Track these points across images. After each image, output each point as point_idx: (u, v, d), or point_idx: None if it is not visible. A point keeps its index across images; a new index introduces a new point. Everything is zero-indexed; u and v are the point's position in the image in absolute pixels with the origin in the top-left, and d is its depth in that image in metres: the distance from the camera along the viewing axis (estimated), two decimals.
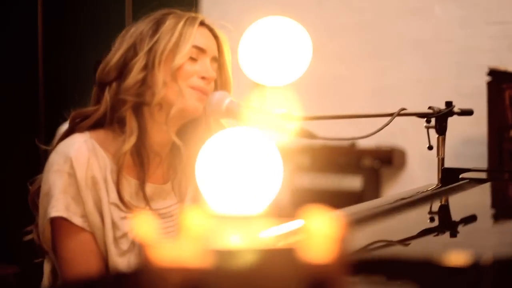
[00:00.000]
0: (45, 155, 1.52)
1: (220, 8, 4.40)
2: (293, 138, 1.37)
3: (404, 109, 1.69)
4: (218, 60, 1.56)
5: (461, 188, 1.63)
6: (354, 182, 3.78)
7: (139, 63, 1.47)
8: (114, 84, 1.49)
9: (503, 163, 3.02)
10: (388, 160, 3.79)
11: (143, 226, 0.60)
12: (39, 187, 1.48)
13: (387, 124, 1.56)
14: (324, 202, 2.73)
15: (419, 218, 1.44)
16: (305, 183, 3.88)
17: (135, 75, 1.47)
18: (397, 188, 3.93)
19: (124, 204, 1.47)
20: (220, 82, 1.57)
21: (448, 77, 3.76)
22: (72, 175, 1.42)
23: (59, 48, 3.22)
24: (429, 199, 1.57)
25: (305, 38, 3.31)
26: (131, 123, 1.47)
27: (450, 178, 1.76)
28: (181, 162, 1.58)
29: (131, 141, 1.46)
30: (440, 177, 1.80)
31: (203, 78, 1.50)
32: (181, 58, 1.47)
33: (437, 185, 1.79)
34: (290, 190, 3.96)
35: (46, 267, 1.53)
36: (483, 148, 3.21)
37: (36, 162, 1.92)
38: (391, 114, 1.62)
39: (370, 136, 1.61)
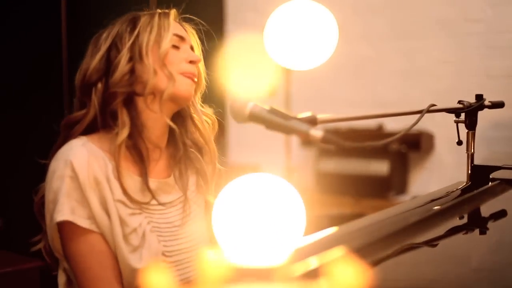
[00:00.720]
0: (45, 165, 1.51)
1: None
2: (318, 144, 1.33)
3: (433, 105, 1.65)
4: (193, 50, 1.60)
5: (492, 192, 1.56)
6: (381, 167, 3.73)
7: (124, 57, 1.48)
8: (99, 85, 1.49)
9: None
10: (415, 144, 3.73)
11: (156, 278, 0.57)
12: (43, 196, 1.47)
13: (416, 123, 1.52)
14: (350, 187, 2.72)
15: (455, 242, 1.30)
16: (331, 167, 3.84)
17: (122, 68, 1.47)
18: (425, 173, 3.88)
19: (129, 198, 1.46)
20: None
21: (477, 58, 3.69)
22: (74, 178, 1.40)
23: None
24: (460, 208, 1.46)
25: (331, 21, 3.28)
26: (123, 115, 1.47)
27: (480, 176, 1.72)
28: (179, 152, 1.60)
29: (124, 132, 1.46)
30: (469, 173, 1.76)
31: (191, 62, 1.53)
32: (166, 44, 1.50)
33: (467, 183, 1.75)
34: (316, 175, 3.93)
35: (61, 279, 1.52)
36: None
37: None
38: (420, 111, 1.59)
39: (396, 135, 1.55)
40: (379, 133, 3.75)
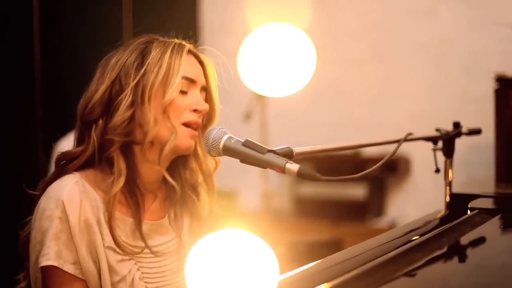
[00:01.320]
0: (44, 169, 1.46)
1: (219, 15, 4.34)
2: (295, 178, 1.31)
3: (410, 134, 1.64)
4: (206, 88, 1.52)
5: (471, 223, 1.54)
6: (358, 191, 3.71)
7: (126, 99, 1.41)
8: (100, 122, 1.43)
9: (511, 173, 2.94)
10: (393, 168, 3.73)
11: None
12: (28, 233, 1.42)
13: (393, 153, 1.50)
14: (328, 211, 2.68)
15: (434, 271, 1.27)
16: (309, 191, 3.81)
17: (122, 113, 1.40)
18: (402, 196, 3.86)
19: (120, 248, 1.41)
20: (208, 110, 1.52)
21: (456, 81, 3.70)
22: (64, 220, 1.36)
23: (57, 56, 3.17)
24: (439, 241, 1.41)
25: (309, 45, 3.25)
26: (120, 164, 1.41)
27: (458, 204, 1.69)
28: (175, 195, 1.54)
29: (120, 183, 1.40)
30: (447, 202, 1.74)
31: (195, 111, 1.46)
32: (172, 92, 1.41)
33: (445, 212, 1.73)
34: (293, 199, 3.90)
35: None
36: (491, 154, 3.14)
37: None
38: (397, 141, 1.57)
39: (374, 166, 1.53)
40: (357, 159, 3.74)
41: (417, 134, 1.68)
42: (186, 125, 1.45)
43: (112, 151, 1.41)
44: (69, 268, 1.36)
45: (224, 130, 1.42)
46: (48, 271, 1.37)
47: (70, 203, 1.36)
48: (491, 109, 3.00)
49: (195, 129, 1.47)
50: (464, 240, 1.44)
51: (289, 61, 3.10)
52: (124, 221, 1.44)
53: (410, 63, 3.83)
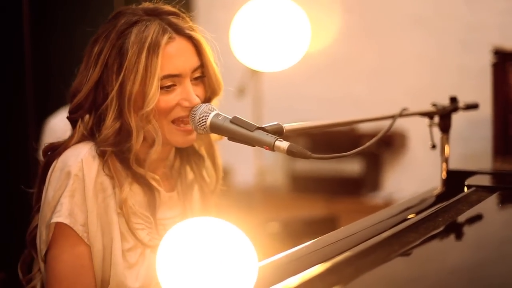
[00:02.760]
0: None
1: None
2: (275, 157, 1.28)
3: (405, 109, 1.60)
4: (201, 64, 1.44)
5: (468, 202, 1.50)
6: (354, 167, 3.69)
7: (112, 108, 1.38)
8: (86, 117, 1.42)
9: (508, 148, 2.91)
10: (388, 144, 3.70)
11: None
12: (36, 225, 1.42)
13: (388, 129, 1.46)
14: (323, 187, 2.66)
15: (431, 249, 1.25)
16: (304, 167, 3.78)
17: (110, 125, 1.39)
18: (398, 172, 3.84)
19: (133, 235, 1.40)
20: (209, 84, 1.47)
21: (452, 56, 3.66)
22: (81, 179, 1.36)
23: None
24: (434, 221, 1.37)
25: (303, 19, 3.19)
26: (119, 173, 1.40)
27: (454, 181, 1.65)
28: (185, 171, 1.54)
29: (126, 187, 1.39)
30: (443, 179, 1.70)
31: (186, 107, 1.41)
32: (149, 102, 1.36)
33: (441, 190, 1.69)
34: (288, 175, 3.87)
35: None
36: (488, 129, 3.11)
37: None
38: (392, 116, 1.53)
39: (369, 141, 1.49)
40: (352, 134, 3.70)
41: (414, 109, 1.64)
42: (176, 122, 1.41)
43: (107, 159, 1.39)
44: (78, 229, 1.35)
45: (212, 106, 1.38)
46: (58, 229, 1.36)
47: (88, 163, 1.37)
48: (489, 83, 2.96)
49: (187, 123, 1.41)
50: (461, 218, 1.41)
51: (283, 35, 3.05)
52: (136, 190, 1.43)
53: (407, 37, 3.79)
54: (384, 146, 3.73)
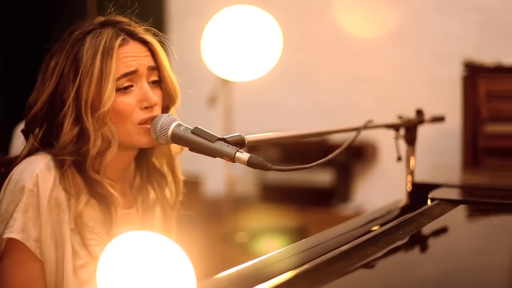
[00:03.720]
0: None
1: None
2: (246, 167, 1.27)
3: (370, 121, 1.60)
4: (157, 66, 1.44)
5: (430, 215, 1.50)
6: (325, 177, 3.69)
7: (69, 116, 1.37)
8: (36, 131, 1.41)
9: (477, 160, 2.94)
10: (359, 155, 3.71)
11: None
12: None
13: (353, 141, 1.48)
14: (294, 197, 2.65)
15: (394, 260, 1.25)
16: (275, 178, 3.77)
17: (68, 132, 1.37)
18: (369, 182, 3.85)
19: (87, 251, 1.38)
20: (166, 90, 1.45)
21: (425, 67, 3.68)
22: (35, 194, 1.34)
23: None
24: (395, 234, 1.36)
25: (275, 28, 3.19)
26: (77, 186, 1.38)
27: (420, 194, 1.65)
28: (143, 182, 1.52)
29: (82, 200, 1.37)
30: (408, 192, 1.71)
31: (145, 108, 1.40)
32: (105, 102, 1.35)
33: (406, 202, 1.70)
34: (259, 185, 3.86)
35: None
36: (457, 141, 3.13)
37: None
38: (357, 129, 1.54)
39: (335, 153, 1.49)
40: (324, 145, 3.70)
41: (386, 120, 1.64)
42: (140, 124, 1.39)
43: (65, 169, 1.37)
44: (31, 244, 1.34)
45: (173, 117, 1.37)
46: (10, 244, 1.34)
47: (44, 177, 1.34)
48: (459, 96, 2.99)
49: (150, 123, 1.40)
50: (424, 231, 1.41)
51: (255, 45, 3.04)
52: (93, 207, 1.41)
53: (379, 48, 3.80)
54: (355, 157, 3.74)
